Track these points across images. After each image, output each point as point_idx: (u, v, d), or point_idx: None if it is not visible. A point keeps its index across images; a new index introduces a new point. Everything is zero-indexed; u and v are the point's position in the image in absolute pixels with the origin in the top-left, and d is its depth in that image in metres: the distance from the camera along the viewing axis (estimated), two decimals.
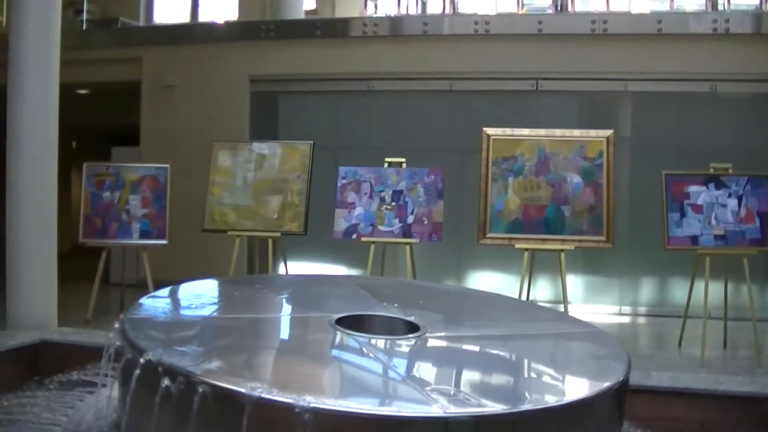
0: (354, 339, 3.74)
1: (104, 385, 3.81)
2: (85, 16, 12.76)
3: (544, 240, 7.93)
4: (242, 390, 2.80)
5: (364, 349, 3.63)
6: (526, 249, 7.92)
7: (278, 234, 8.73)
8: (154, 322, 3.97)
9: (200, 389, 2.91)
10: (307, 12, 14.16)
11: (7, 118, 6.66)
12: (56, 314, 6.86)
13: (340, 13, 14.91)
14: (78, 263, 10.27)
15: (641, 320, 10.42)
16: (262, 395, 2.79)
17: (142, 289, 7.82)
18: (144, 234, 9.06)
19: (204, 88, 11.22)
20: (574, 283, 10.52)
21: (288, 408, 2.74)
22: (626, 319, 10.42)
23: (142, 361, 3.15)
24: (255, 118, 11.27)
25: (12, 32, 6.74)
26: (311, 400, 2.75)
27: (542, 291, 10.30)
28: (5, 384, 5.16)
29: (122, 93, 11.78)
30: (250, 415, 2.78)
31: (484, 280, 10.75)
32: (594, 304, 10.60)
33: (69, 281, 9.76)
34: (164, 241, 9.06)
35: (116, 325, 3.64)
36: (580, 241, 7.89)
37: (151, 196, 9.14)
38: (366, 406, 2.89)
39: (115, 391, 3.76)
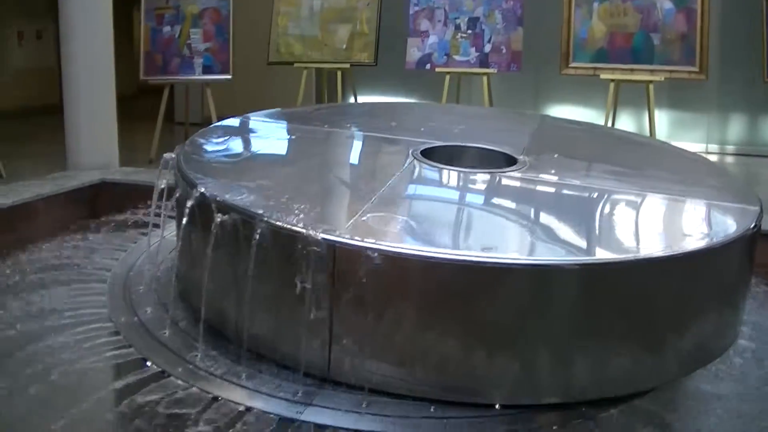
0: (440, 172, 3.37)
1: (157, 226, 3.56)
2: None
3: (632, 70, 7.35)
4: (301, 230, 2.58)
5: (453, 184, 3.28)
6: (612, 80, 7.38)
7: (347, 65, 8.31)
8: (210, 155, 3.67)
9: (255, 227, 2.63)
10: None
11: None
12: (117, 155, 6.62)
13: None
14: (144, 104, 10.01)
15: (729, 159, 9.82)
16: (331, 237, 2.53)
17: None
18: (207, 69, 8.67)
19: None
20: (658, 118, 9.91)
21: (359, 252, 2.42)
22: (713, 158, 9.84)
23: (194, 195, 2.89)
24: None
25: None
26: (388, 244, 2.44)
27: (625, 127, 9.74)
28: (65, 225, 5.00)
29: None
30: (311, 257, 2.49)
31: (564, 114, 10.20)
32: (679, 141, 10.00)
33: (134, 122, 9.55)
34: (228, 76, 8.67)
35: (169, 160, 3.36)
36: (670, 71, 7.28)
37: (214, 29, 8.69)
38: (456, 251, 2.56)
39: (170, 231, 3.53)
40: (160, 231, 3.58)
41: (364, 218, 2.73)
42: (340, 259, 2.53)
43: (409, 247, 2.54)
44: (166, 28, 8.64)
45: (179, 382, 2.71)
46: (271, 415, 2.54)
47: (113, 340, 2.99)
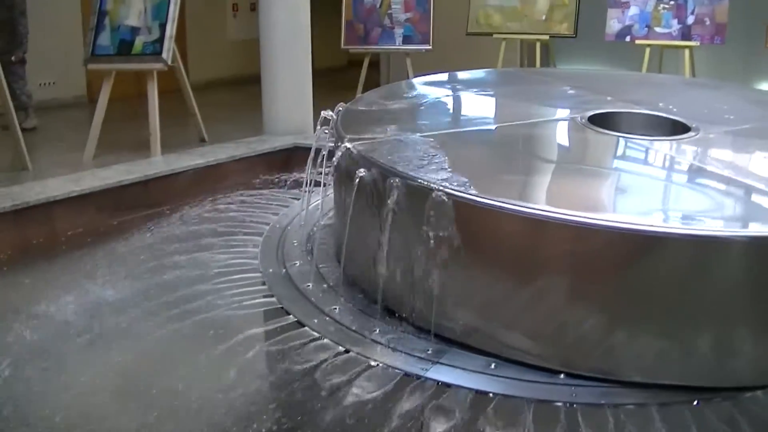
0: (613, 139, 3.26)
1: (318, 183, 3.67)
2: None
3: None
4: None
5: (627, 152, 3.18)
6: None
7: (546, 36, 8.18)
8: (373, 112, 3.72)
9: (394, 184, 2.64)
10: None
11: None
12: (312, 122, 6.81)
13: None
14: (352, 76, 10.25)
15: None
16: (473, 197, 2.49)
17: None
18: (407, 39, 8.79)
19: None
20: None
21: (505, 213, 2.37)
22: None
23: (340, 150, 2.95)
24: None
25: None
26: (537, 207, 2.38)
27: None
28: (247, 184, 5.21)
29: None
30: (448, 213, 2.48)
31: None
32: None
33: (338, 92, 9.81)
34: (428, 47, 8.75)
35: (329, 116, 3.46)
36: None
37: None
38: (642, 221, 2.45)
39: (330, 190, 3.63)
40: (321, 189, 3.70)
41: (515, 181, 2.67)
42: (479, 219, 2.51)
43: (558, 210, 2.45)
44: None
45: (314, 333, 2.80)
46: (397, 370, 2.58)
47: (259, 290, 3.13)
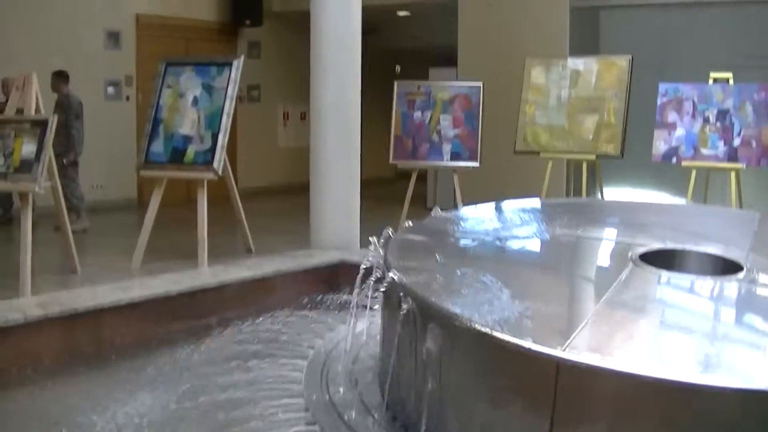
0: (660, 277, 3.16)
1: (364, 307, 3.66)
2: None
3: None
4: (515, 341, 2.35)
5: (683, 294, 3.09)
6: None
7: (593, 156, 8.22)
8: (421, 242, 3.73)
9: (444, 324, 2.61)
10: None
11: (311, 41, 6.64)
12: (358, 236, 6.85)
13: None
14: (400, 186, 10.37)
15: None
16: (551, 353, 2.30)
17: None
18: (455, 155, 8.88)
19: (521, 3, 10.74)
20: None
21: (585, 370, 2.23)
22: None
23: (387, 280, 2.96)
24: (575, 34, 10.63)
25: None
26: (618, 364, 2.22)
27: None
28: (294, 301, 5.23)
29: (441, 13, 11.61)
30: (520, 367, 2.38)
31: None
32: None
33: (386, 204, 9.89)
34: (476, 164, 8.83)
35: (379, 242, 3.47)
36: None
37: (463, 115, 8.92)
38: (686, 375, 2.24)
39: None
40: (367, 313, 3.69)
41: (583, 331, 2.53)
42: (562, 376, 2.26)
43: (640, 367, 2.22)
44: (417, 114, 8.95)
45: None
46: None
47: (301, 417, 3.11)
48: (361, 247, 6.76)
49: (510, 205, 4.81)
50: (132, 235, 8.83)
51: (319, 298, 5.11)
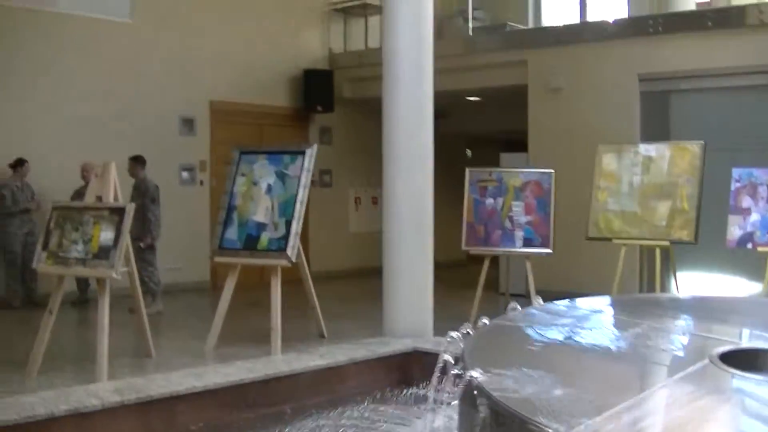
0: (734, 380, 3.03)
1: (442, 402, 3.61)
2: (471, 24, 12.85)
3: None
4: None
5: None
6: None
7: (667, 243, 8.10)
8: (501, 337, 3.68)
9: (522, 429, 2.56)
10: (699, 3, 13.19)
11: (383, 128, 6.73)
12: (431, 323, 6.82)
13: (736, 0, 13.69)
14: (472, 271, 10.33)
15: None
16: None
17: (529, 299, 7.59)
18: (527, 242, 8.83)
19: (591, 89, 10.77)
20: None
21: None
22: None
23: (465, 379, 2.89)
24: (645, 119, 10.60)
25: (386, 47, 6.80)
26: None
27: None
28: (375, 391, 5.21)
29: (510, 98, 11.69)
30: None
31: None
32: None
33: (458, 289, 9.86)
34: (548, 250, 8.76)
35: (456, 336, 3.43)
36: None
37: (535, 202, 8.89)
38: None
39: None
40: (443, 408, 3.65)
41: None
42: None
43: None
44: (489, 200, 8.95)
45: None
46: None
47: None
48: (434, 334, 6.73)
49: (586, 303, 4.75)
50: (205, 318, 8.93)
51: (393, 389, 5.08)
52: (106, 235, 6.27)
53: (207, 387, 5.00)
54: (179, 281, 10.95)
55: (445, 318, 7.22)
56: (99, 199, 6.63)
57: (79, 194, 9.87)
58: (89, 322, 9.23)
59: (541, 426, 2.47)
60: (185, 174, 11.71)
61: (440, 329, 6.89)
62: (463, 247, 8.97)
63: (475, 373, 2.93)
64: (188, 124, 11.79)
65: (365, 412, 4.54)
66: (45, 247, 6.48)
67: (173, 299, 9.98)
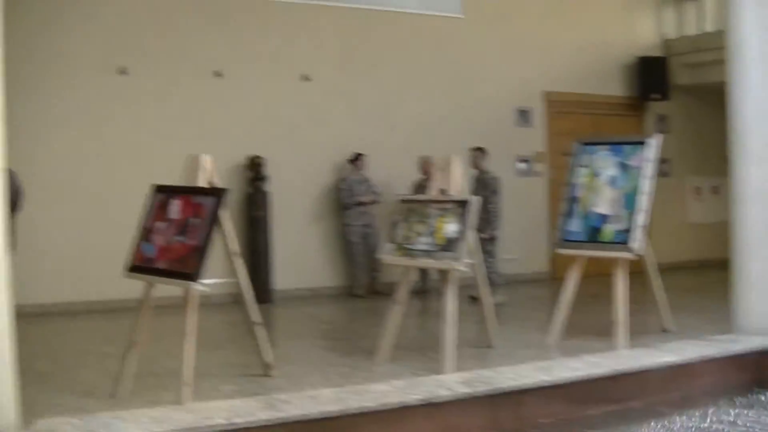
0: None
1: None
2: None
3: None
4: None
5: None
6: None
7: None
8: None
9: None
10: None
11: (729, 115, 6.43)
12: None
13: None
14: None
15: None
16: None
17: None
18: None
19: None
20: None
21: None
22: None
23: None
24: None
25: (731, 30, 6.49)
26: None
27: None
28: (728, 392, 5.04)
29: None
30: None
31: None
32: None
33: None
34: None
35: None
36: None
37: None
38: None
39: None
40: None
41: None
42: None
43: None
44: None
45: None
46: None
47: None
48: None
49: None
50: (544, 310, 8.97)
51: (748, 391, 4.87)
52: (451, 228, 6.43)
53: (555, 381, 5.06)
54: (518, 272, 11.08)
55: None
56: (443, 192, 6.81)
57: (419, 187, 10.28)
58: (430, 311, 9.59)
59: None
60: (522, 165, 11.84)
61: None
62: None
63: None
64: (524, 115, 11.89)
65: (722, 414, 4.38)
66: (392, 239, 6.76)
67: (511, 290, 10.10)
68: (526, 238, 11.38)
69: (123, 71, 9.53)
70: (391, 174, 10.74)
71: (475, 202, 6.47)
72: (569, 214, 7.33)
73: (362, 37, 10.84)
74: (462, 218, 6.42)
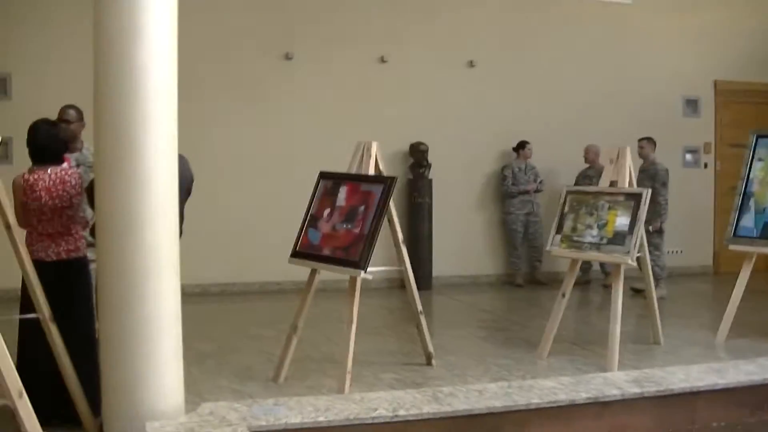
0: None
1: None
2: None
3: None
4: None
5: None
6: None
7: None
8: None
9: None
10: None
11: None
12: None
13: None
14: None
15: None
16: None
17: None
18: None
19: None
20: None
21: None
22: None
23: None
24: None
25: None
26: None
27: None
28: None
29: None
30: None
31: None
32: None
33: None
34: None
35: None
36: None
37: None
38: None
39: None
40: None
41: None
42: None
43: None
44: None
45: None
46: None
47: None
48: None
49: None
50: (710, 306, 8.72)
51: None
52: (621, 221, 6.30)
53: (728, 385, 4.88)
54: (682, 265, 10.80)
55: None
56: (613, 184, 6.68)
57: (584, 176, 10.12)
58: (590, 303, 9.47)
59: None
60: (689, 156, 11.47)
61: None
62: None
63: None
64: (692, 105, 11.51)
65: None
66: (559, 230, 6.67)
67: (674, 284, 9.84)
68: (691, 232, 11.05)
69: (288, 56, 9.76)
70: (554, 162, 10.60)
71: (647, 195, 6.32)
72: (742, 209, 7.08)
73: (526, 22, 10.68)
74: (632, 211, 6.28)
